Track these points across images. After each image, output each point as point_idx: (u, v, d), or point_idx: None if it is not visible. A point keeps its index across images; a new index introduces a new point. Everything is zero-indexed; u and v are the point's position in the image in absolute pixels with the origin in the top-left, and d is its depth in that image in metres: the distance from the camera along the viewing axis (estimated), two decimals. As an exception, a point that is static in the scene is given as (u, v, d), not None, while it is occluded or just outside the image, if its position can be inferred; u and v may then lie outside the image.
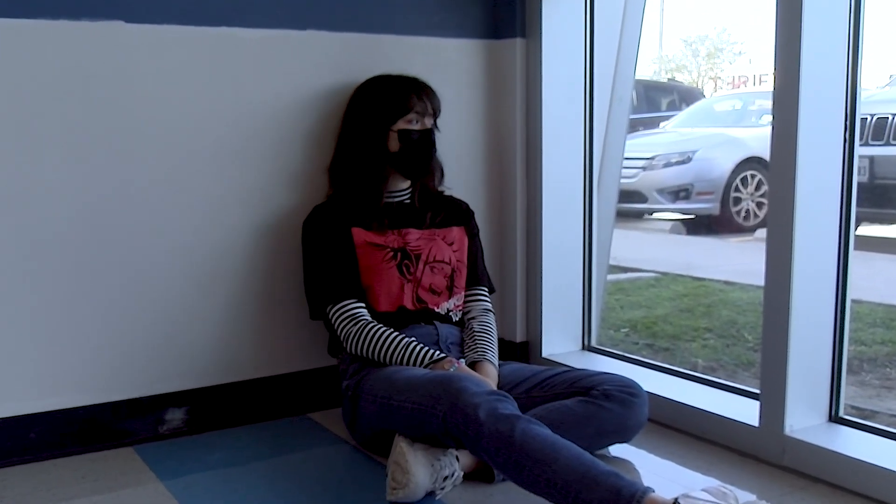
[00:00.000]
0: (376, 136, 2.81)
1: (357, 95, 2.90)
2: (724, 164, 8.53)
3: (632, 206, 8.75)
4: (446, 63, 3.25)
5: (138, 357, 2.81)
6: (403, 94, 2.80)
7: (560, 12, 3.26)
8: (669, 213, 9.05)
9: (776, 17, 2.42)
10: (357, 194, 2.84)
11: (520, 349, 3.43)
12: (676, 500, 1.97)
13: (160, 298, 2.82)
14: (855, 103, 2.45)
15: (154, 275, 2.79)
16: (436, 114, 2.87)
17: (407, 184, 2.92)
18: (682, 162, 8.68)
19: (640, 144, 9.07)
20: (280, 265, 2.99)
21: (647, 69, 23.63)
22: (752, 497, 2.30)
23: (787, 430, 2.53)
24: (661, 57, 24.71)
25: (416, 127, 2.81)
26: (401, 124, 2.80)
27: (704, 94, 16.16)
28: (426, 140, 2.83)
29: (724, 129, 9.41)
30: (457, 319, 2.92)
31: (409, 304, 2.81)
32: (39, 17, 2.54)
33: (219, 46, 2.82)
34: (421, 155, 2.83)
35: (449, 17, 3.23)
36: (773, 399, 2.55)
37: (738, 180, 8.43)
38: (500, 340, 3.01)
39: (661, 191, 8.65)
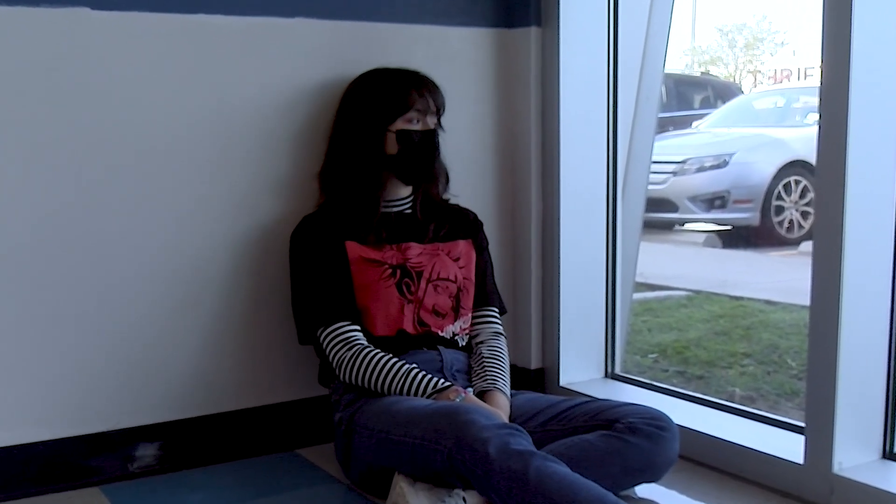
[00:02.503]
0: (372, 137, 2.81)
1: (350, 92, 2.91)
2: (764, 168, 8.53)
3: (661, 216, 8.75)
4: (452, 55, 3.26)
5: (105, 386, 2.80)
6: (402, 91, 2.80)
7: (580, -2, 3.27)
8: (703, 224, 9.05)
9: (823, 2, 2.42)
10: (351, 203, 2.85)
11: (535, 377, 3.43)
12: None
13: (130, 320, 2.82)
14: (912, 100, 2.45)
15: (123, 293, 2.80)
16: (439, 112, 2.87)
17: (407, 191, 2.92)
18: (718, 166, 8.69)
19: (671, 146, 9.08)
20: (265, 283, 2.99)
21: (678, 62, 23.67)
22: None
23: (836, 468, 2.52)
24: (693, 48, 24.76)
25: (417, 127, 2.81)
26: (400, 124, 2.80)
27: (742, 89, 16.16)
28: (428, 142, 2.83)
29: (764, 130, 9.42)
30: (463, 344, 2.92)
31: (409, 327, 2.81)
32: (-6, 5, 2.56)
33: (196, 36, 2.83)
34: (423, 158, 2.83)
35: (455, 3, 3.24)
36: (819, 433, 2.55)
37: (780, 187, 8.43)
38: (513, 367, 3.01)
39: (693, 199, 8.65)
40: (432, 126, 2.84)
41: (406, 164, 2.82)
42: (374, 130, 2.81)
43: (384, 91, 2.83)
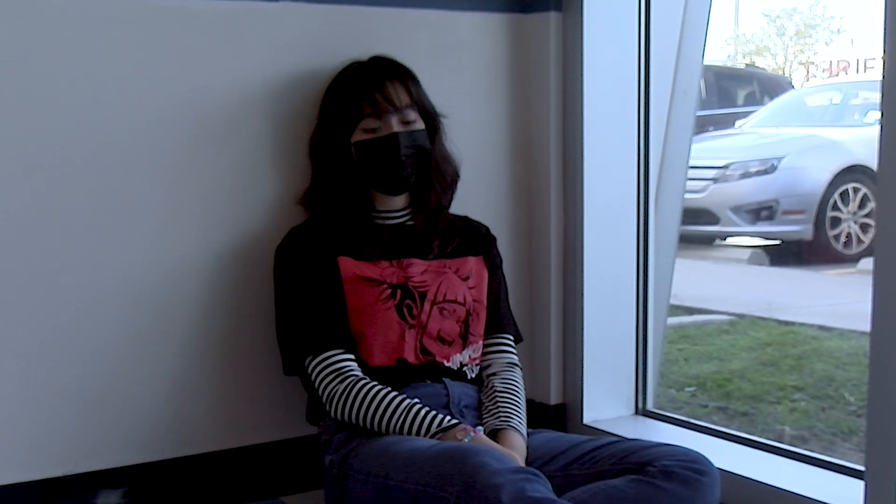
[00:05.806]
0: (338, 152, 2.85)
1: (322, 100, 2.92)
2: (818, 174, 8.54)
3: (699, 229, 8.75)
4: (460, 44, 3.26)
5: (62, 424, 2.80)
6: (354, 97, 2.82)
7: (606, -21, 3.28)
8: (748, 238, 9.05)
9: (884, -15, 2.43)
10: (341, 218, 2.86)
11: (555, 414, 3.43)
12: None
13: (90, 348, 2.81)
14: None
15: (82, 319, 2.79)
16: (416, 106, 2.86)
17: (402, 201, 2.93)
18: (765, 172, 8.70)
19: (711, 149, 9.09)
20: (246, 305, 2.99)
21: (720, 52, 23.72)
22: None
23: (902, 519, 2.52)
24: (736, 36, 24.80)
25: (378, 134, 2.81)
26: (359, 135, 2.82)
27: (793, 83, 16.19)
28: (389, 148, 2.80)
29: (818, 130, 9.44)
30: (473, 376, 2.92)
31: (411, 356, 2.81)
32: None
33: (166, 23, 2.83)
34: (386, 167, 2.82)
35: (463, -14, 3.25)
36: (881, 478, 2.54)
37: (836, 195, 8.43)
38: (530, 403, 3.01)
39: (737, 209, 8.66)
40: (396, 128, 2.82)
41: (373, 176, 2.84)
42: (339, 145, 2.84)
43: (338, 100, 2.86)
